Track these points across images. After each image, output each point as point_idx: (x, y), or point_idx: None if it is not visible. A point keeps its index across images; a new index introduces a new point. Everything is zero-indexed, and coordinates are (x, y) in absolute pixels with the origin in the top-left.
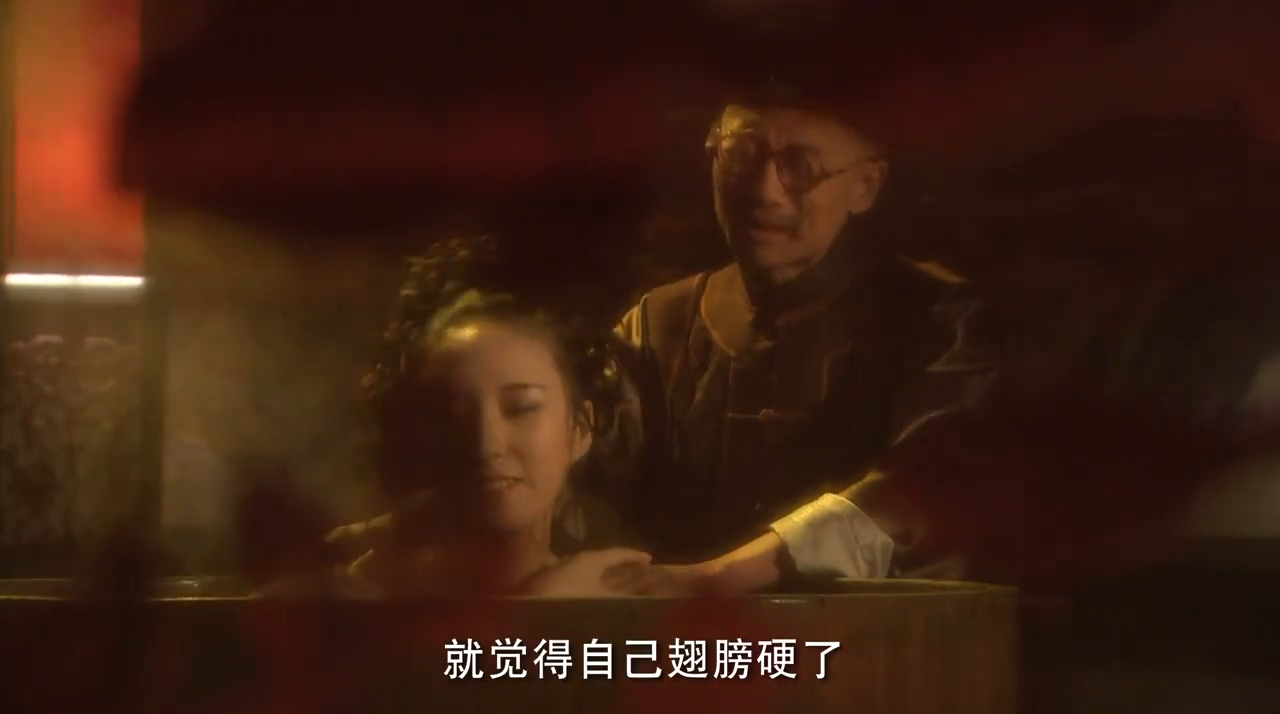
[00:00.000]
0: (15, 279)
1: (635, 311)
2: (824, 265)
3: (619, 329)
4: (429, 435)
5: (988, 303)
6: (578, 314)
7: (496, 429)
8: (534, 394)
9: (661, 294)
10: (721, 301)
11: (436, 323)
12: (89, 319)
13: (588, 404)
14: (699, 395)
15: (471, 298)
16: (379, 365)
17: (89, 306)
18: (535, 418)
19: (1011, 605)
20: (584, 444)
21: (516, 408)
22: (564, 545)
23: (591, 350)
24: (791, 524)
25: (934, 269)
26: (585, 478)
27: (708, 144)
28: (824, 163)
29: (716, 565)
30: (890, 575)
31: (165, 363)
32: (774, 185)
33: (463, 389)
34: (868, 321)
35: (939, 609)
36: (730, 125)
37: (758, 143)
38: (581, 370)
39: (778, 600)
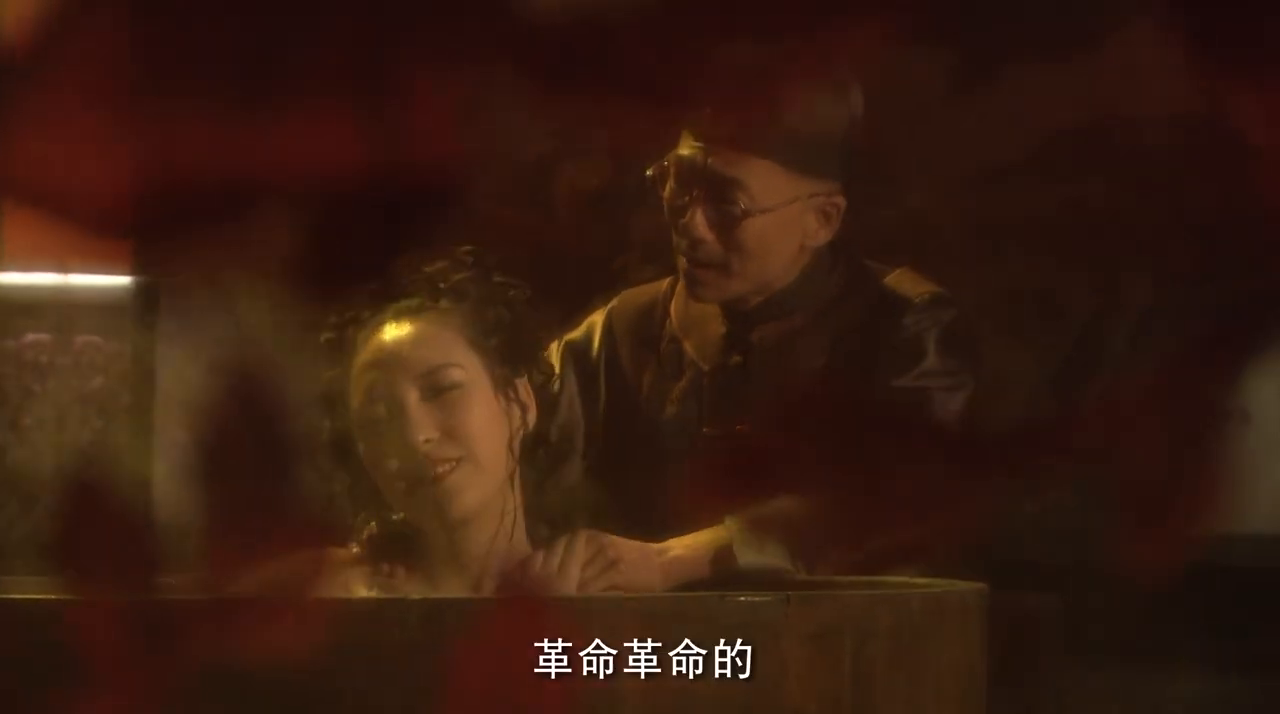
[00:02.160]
0: (3, 278)
1: (599, 318)
2: (794, 290)
3: (575, 334)
4: (370, 453)
5: (962, 312)
6: (475, 293)
7: (421, 415)
8: (453, 373)
9: (630, 300)
10: (693, 310)
11: (358, 351)
12: (78, 317)
13: (520, 382)
14: (673, 408)
15: (383, 313)
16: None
17: (78, 305)
18: (459, 395)
19: (981, 603)
20: (529, 420)
21: (438, 389)
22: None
23: (505, 323)
24: (739, 522)
25: (907, 276)
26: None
27: (649, 172)
28: (753, 200)
29: (668, 552)
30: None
31: (154, 360)
32: (699, 223)
33: (382, 392)
34: (843, 336)
35: (905, 606)
36: (671, 155)
37: (688, 177)
38: (501, 348)
39: (743, 598)
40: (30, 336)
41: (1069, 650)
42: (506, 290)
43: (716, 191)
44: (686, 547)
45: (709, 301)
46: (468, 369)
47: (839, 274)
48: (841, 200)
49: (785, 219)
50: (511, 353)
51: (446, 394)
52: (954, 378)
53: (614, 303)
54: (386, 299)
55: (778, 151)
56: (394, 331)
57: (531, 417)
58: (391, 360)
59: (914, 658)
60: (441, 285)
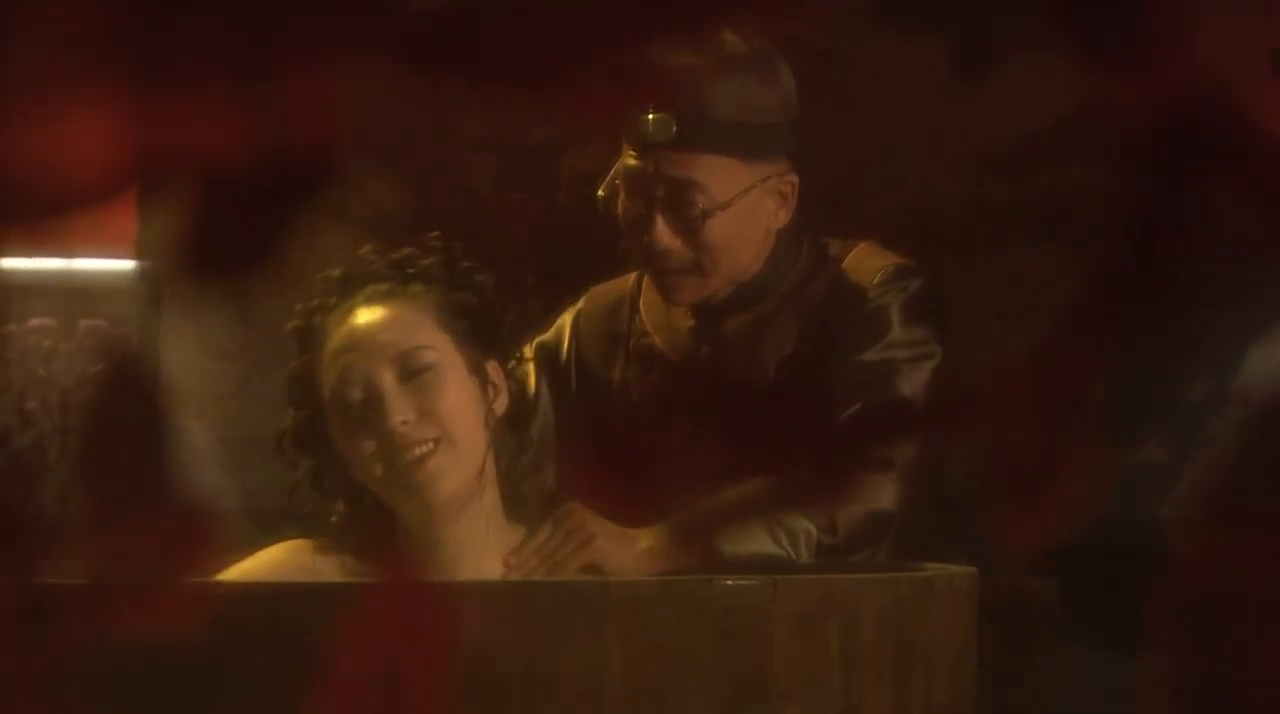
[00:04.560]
0: (8, 263)
1: (567, 319)
2: (762, 277)
3: (547, 336)
4: (345, 437)
5: (927, 281)
6: (443, 277)
7: (397, 397)
8: (426, 355)
9: (597, 298)
10: (661, 303)
11: (329, 336)
12: (82, 302)
13: (491, 364)
14: (645, 402)
15: (352, 299)
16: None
17: (82, 290)
18: (433, 376)
19: (971, 587)
20: (501, 402)
21: (412, 371)
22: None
23: (473, 306)
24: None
25: (870, 250)
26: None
27: (600, 193)
28: (712, 198)
29: (640, 543)
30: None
31: (158, 346)
32: (662, 232)
33: (357, 375)
34: (810, 318)
35: (894, 590)
36: (618, 171)
37: (641, 189)
38: (471, 331)
39: (730, 581)
40: (35, 321)
41: (1066, 634)
42: (473, 274)
43: (673, 197)
44: (657, 538)
45: (686, 303)
46: (440, 350)
47: (804, 256)
48: (794, 178)
49: (745, 208)
50: (480, 335)
51: (421, 376)
52: (919, 348)
53: (580, 304)
54: (354, 285)
55: (724, 143)
56: (366, 316)
57: (502, 400)
58: (366, 344)
59: (903, 641)
60: (410, 270)
